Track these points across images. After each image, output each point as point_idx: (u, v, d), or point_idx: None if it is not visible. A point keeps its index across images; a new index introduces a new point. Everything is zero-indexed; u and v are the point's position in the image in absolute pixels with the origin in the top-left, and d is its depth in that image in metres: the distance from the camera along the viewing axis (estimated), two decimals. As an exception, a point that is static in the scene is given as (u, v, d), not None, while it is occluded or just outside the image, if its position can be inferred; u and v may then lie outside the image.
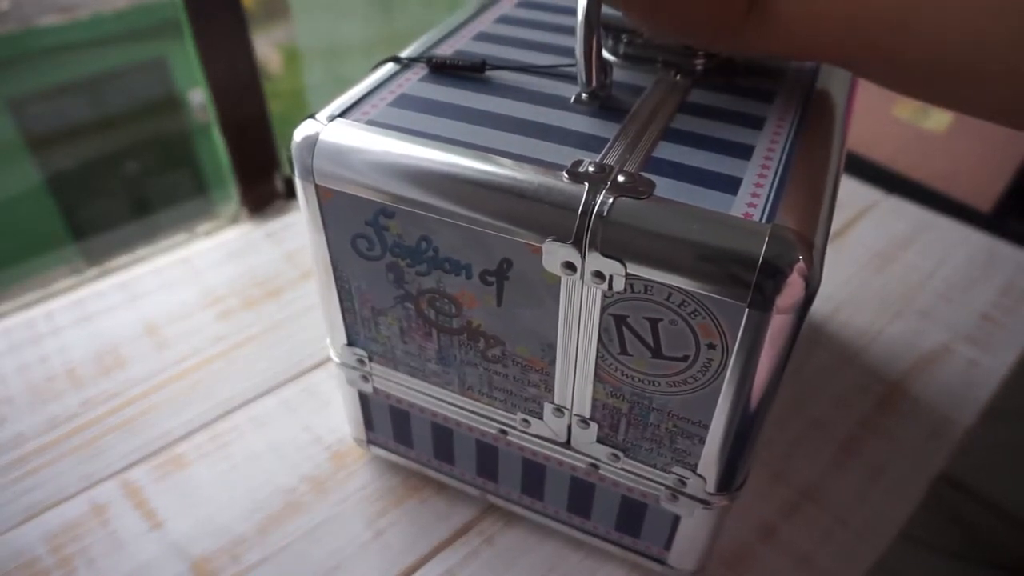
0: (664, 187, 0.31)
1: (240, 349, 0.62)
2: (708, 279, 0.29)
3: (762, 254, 0.28)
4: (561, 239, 0.31)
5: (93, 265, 0.70)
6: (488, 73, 0.39)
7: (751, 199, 0.30)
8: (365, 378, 0.45)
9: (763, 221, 0.29)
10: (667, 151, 0.33)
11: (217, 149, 0.74)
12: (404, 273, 0.37)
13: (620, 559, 0.47)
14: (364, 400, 0.47)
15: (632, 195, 0.30)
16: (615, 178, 0.31)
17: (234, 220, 0.77)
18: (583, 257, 0.31)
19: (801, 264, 0.28)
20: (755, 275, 0.28)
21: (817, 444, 0.55)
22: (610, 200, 0.30)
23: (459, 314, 0.37)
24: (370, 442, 0.51)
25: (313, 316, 0.65)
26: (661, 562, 0.45)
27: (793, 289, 0.28)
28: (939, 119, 1.18)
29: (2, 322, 0.64)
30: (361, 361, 0.44)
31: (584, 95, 0.36)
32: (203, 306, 0.66)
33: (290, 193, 0.79)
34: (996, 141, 1.11)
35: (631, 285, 0.31)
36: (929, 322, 0.66)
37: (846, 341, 0.64)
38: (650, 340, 0.33)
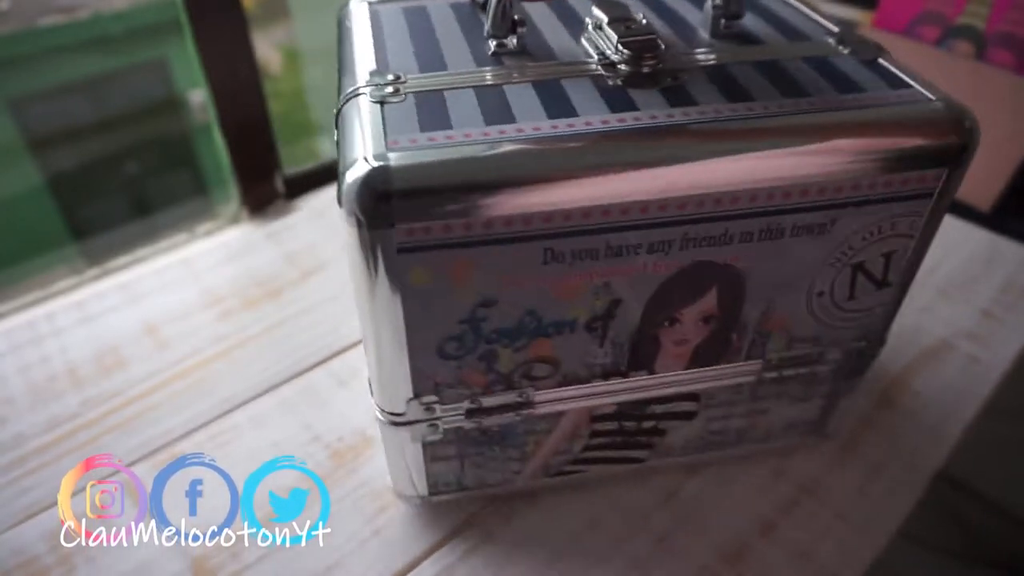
0: None
1: (240, 349, 0.62)
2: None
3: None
4: None
5: (93, 265, 0.71)
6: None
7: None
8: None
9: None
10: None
11: (217, 149, 0.75)
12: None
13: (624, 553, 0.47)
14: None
15: None
16: None
17: (234, 220, 0.77)
18: None
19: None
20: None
21: (816, 440, 0.55)
22: None
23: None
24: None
25: (313, 316, 0.65)
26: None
27: None
28: (939, 117, 1.17)
29: (3, 323, 0.64)
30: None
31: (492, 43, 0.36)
32: (203, 306, 0.66)
33: (290, 193, 0.79)
34: (996, 141, 1.11)
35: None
36: (930, 318, 0.66)
37: (846, 339, 0.64)
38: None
